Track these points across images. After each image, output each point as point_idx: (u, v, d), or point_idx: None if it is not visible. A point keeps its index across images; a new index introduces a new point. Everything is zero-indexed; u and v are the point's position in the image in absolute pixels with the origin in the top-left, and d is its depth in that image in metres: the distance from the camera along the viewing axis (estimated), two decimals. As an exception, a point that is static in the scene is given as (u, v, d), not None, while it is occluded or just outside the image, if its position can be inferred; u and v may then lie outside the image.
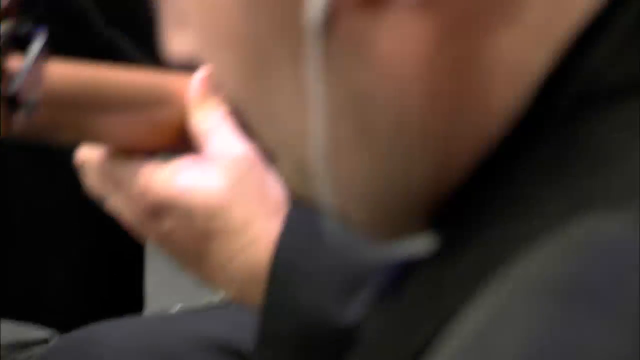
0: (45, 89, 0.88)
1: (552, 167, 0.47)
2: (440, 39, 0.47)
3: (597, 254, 0.38)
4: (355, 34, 0.47)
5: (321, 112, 0.50)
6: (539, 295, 0.38)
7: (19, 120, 0.87)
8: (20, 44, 0.88)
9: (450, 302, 0.46)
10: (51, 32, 0.95)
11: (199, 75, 0.75)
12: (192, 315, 1.45)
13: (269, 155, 0.58)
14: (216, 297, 1.13)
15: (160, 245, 0.99)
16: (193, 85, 0.93)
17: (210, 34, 0.53)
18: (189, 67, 0.66)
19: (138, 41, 0.90)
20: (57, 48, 0.95)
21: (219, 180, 0.93)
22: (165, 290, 1.80)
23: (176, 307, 1.58)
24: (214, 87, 0.65)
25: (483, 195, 0.50)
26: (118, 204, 0.96)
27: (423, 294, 0.52)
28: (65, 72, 0.92)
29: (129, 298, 1.83)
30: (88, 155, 0.95)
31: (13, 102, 0.86)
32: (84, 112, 0.92)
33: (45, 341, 1.85)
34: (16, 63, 0.86)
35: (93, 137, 0.94)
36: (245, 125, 0.60)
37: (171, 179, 0.93)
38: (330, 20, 0.46)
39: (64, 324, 1.73)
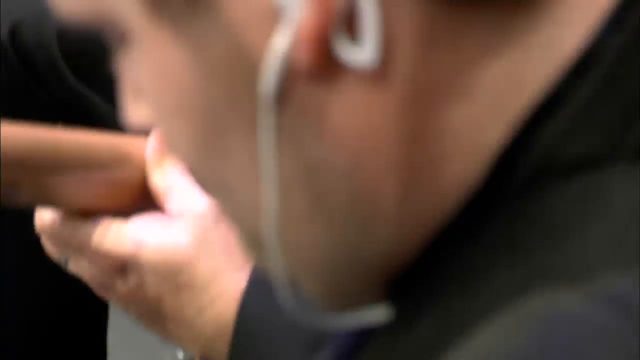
0: None
1: (507, 240, 0.47)
2: (394, 113, 0.47)
3: (554, 329, 0.38)
4: (310, 105, 0.47)
5: (274, 183, 0.50)
6: None
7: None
8: None
9: None
10: (11, 89, 0.98)
11: (156, 134, 0.75)
12: None
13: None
14: (179, 354, 1.13)
15: (124, 304, 0.98)
16: (150, 144, 0.93)
17: (164, 104, 0.52)
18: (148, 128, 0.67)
19: (108, 96, 0.89)
20: (20, 106, 1.00)
21: (183, 236, 0.92)
22: (128, 347, 1.77)
23: None
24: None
25: (439, 267, 0.50)
26: (80, 266, 0.95)
27: None
28: (20, 133, 0.92)
29: (90, 356, 1.81)
30: (46, 219, 0.94)
31: None
32: (40, 173, 0.92)
33: None
34: None
35: (51, 199, 0.94)
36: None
37: (135, 236, 0.92)
38: (284, 91, 0.46)
39: None
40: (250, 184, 0.51)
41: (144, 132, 0.71)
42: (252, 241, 0.55)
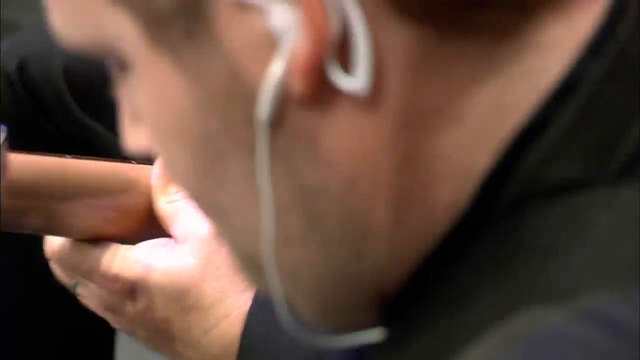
0: (7, 178, 0.88)
1: (493, 262, 0.48)
2: (387, 138, 0.48)
3: (540, 346, 0.40)
4: (304, 130, 0.48)
5: (270, 206, 0.51)
6: None
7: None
8: None
9: None
10: (21, 121, 0.98)
11: (160, 162, 0.75)
12: None
13: None
14: None
15: (132, 326, 0.98)
16: (155, 171, 0.94)
17: (162, 128, 0.53)
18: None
19: (110, 126, 0.85)
20: (29, 136, 1.00)
21: (189, 259, 0.92)
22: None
23: None
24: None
25: (429, 288, 0.51)
26: (89, 290, 0.95)
27: None
28: (27, 162, 0.92)
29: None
30: (56, 244, 0.94)
31: None
32: (46, 201, 0.93)
33: None
34: None
35: (60, 225, 0.94)
36: None
37: (144, 260, 0.92)
38: (279, 117, 0.47)
39: None
40: (247, 207, 0.52)
41: (146, 159, 0.70)
42: (248, 263, 0.56)
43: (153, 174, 0.95)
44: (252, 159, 0.49)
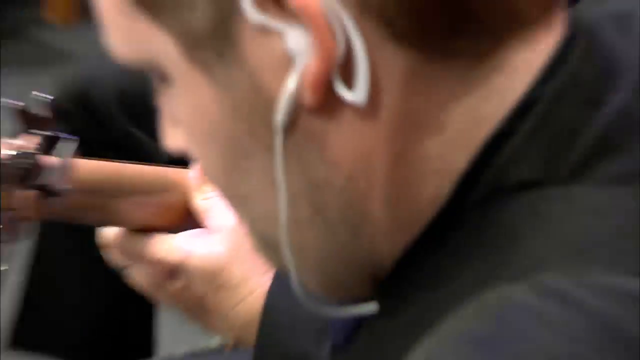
0: (73, 180, 0.94)
1: (467, 246, 0.55)
2: (381, 141, 0.55)
3: (505, 316, 0.46)
4: (313, 133, 0.55)
5: (284, 196, 0.57)
6: (463, 345, 0.45)
7: (51, 206, 0.93)
8: (53, 144, 0.95)
9: (388, 352, 0.54)
10: (82, 133, 1.04)
11: (196, 165, 0.79)
12: (197, 357, 1.50)
13: None
14: (216, 341, 1.20)
15: (172, 301, 1.07)
16: (191, 173, 1.02)
17: (196, 132, 0.61)
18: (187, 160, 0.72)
19: (152, 134, 0.96)
20: (88, 145, 1.05)
21: (220, 247, 1.01)
22: (172, 337, 1.90)
23: (181, 351, 1.60)
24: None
25: (416, 267, 0.58)
26: (137, 272, 1.04)
27: (369, 345, 0.62)
28: (90, 166, 0.99)
29: (140, 345, 1.96)
30: (111, 234, 1.03)
31: (45, 191, 0.92)
32: (105, 198, 1.00)
33: None
34: (50, 160, 0.93)
35: (113, 219, 1.02)
36: None
37: (182, 247, 1.00)
38: (293, 122, 0.54)
39: None
40: (265, 197, 0.59)
41: (183, 161, 0.75)
42: (266, 244, 0.64)
43: (190, 176, 1.02)
44: (270, 158, 0.56)
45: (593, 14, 0.63)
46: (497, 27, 0.55)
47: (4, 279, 1.02)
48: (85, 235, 1.10)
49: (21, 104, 0.92)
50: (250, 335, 1.01)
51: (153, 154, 0.94)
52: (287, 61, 0.52)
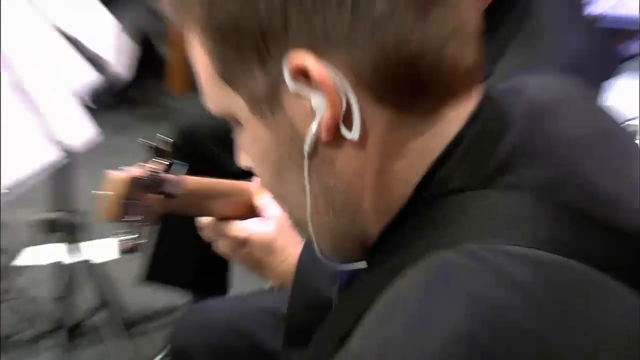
0: (183, 189, 1.15)
1: (418, 228, 0.63)
2: (368, 163, 0.63)
3: (442, 269, 0.54)
4: (326, 157, 0.63)
5: (309, 195, 0.66)
6: (416, 285, 0.53)
7: (170, 204, 1.14)
8: (171, 167, 1.15)
9: (369, 296, 0.58)
10: (189, 159, 1.23)
11: (256, 178, 0.80)
12: (256, 295, 1.65)
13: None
14: (268, 285, 1.37)
15: (241, 261, 1.22)
16: (255, 185, 1.15)
17: (257, 157, 0.69)
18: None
19: (233, 159, 0.87)
20: (192, 166, 1.20)
21: (271, 228, 1.17)
22: (243, 281, 1.98)
23: (248, 291, 1.76)
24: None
25: (389, 240, 0.66)
26: (220, 244, 1.20)
27: (360, 287, 0.67)
28: (194, 180, 1.18)
29: (220, 285, 2.24)
30: (206, 222, 1.19)
31: (166, 195, 1.14)
32: (202, 200, 1.19)
33: (177, 308, 2.20)
34: (169, 177, 1.13)
35: (207, 212, 1.20)
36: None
37: (248, 229, 1.17)
38: (314, 151, 0.62)
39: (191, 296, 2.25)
40: (298, 196, 0.66)
41: (250, 175, 0.80)
42: (299, 225, 0.72)
43: (253, 185, 1.15)
44: (300, 173, 0.64)
45: (499, 87, 0.72)
46: (440, 95, 0.62)
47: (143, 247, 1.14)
48: (190, 220, 1.27)
49: (151, 142, 1.12)
50: (289, 282, 1.15)
51: (232, 171, 1.01)
52: (311, 114, 0.60)
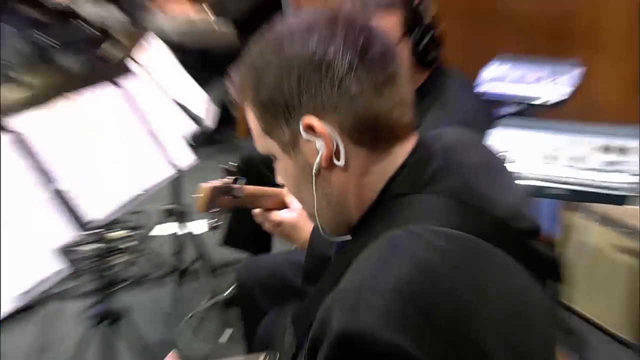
0: (244, 193, 1.12)
1: (381, 217, 0.60)
2: (351, 179, 0.61)
3: (393, 240, 0.53)
4: (325, 177, 0.61)
5: (316, 199, 0.63)
6: (377, 251, 0.52)
7: (236, 202, 1.12)
8: (236, 181, 1.11)
9: (352, 256, 0.55)
10: (247, 175, 1.19)
11: (286, 188, 0.72)
12: (287, 253, 1.52)
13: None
14: (293, 247, 1.24)
15: (278, 234, 1.16)
16: (285, 191, 1.07)
17: (285, 177, 0.67)
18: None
19: (274, 176, 0.83)
20: (249, 180, 1.16)
21: (295, 215, 1.11)
22: (279, 245, 1.94)
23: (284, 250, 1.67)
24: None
25: (364, 224, 0.63)
26: (265, 225, 1.14)
27: (344, 255, 0.62)
28: (250, 188, 1.14)
29: (265, 248, 2.01)
30: (258, 211, 1.14)
31: (234, 197, 1.11)
32: (255, 199, 1.15)
33: (240, 260, 1.98)
34: (235, 186, 1.11)
35: (257, 206, 1.15)
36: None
37: (281, 215, 1.12)
38: (318, 173, 0.61)
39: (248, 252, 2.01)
40: (310, 199, 0.64)
41: (283, 186, 0.74)
42: (310, 216, 0.67)
43: (284, 191, 1.10)
44: (311, 186, 0.62)
45: (426, 134, 0.68)
46: (391, 140, 0.61)
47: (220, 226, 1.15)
48: (249, 210, 1.18)
49: (225, 166, 1.12)
50: (305, 246, 1.09)
51: (272, 183, 0.89)
52: (316, 151, 0.59)
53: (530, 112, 1.67)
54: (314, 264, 1.00)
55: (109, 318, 1.43)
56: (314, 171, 0.60)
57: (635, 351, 1.69)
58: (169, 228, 2.19)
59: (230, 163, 1.17)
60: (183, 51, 1.91)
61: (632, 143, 1.26)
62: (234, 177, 1.12)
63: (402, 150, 0.61)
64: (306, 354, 0.54)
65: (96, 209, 1.09)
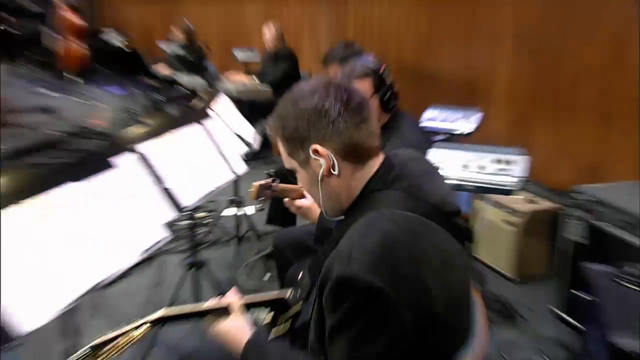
0: (278, 188, 1.11)
1: (362, 206, 0.58)
2: (342, 182, 0.60)
3: (370, 219, 0.51)
4: (327, 181, 0.60)
5: (321, 194, 0.61)
6: (359, 228, 0.50)
7: (274, 194, 1.10)
8: (275, 181, 1.08)
9: (345, 230, 0.53)
10: (281, 177, 1.15)
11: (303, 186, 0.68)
12: (305, 225, 1.34)
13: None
14: (309, 222, 1.13)
15: (299, 214, 1.11)
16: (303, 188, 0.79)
17: (302, 181, 0.64)
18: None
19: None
20: (282, 180, 1.10)
21: (309, 202, 1.08)
22: (300, 221, 1.60)
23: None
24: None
25: (351, 210, 0.61)
26: (291, 209, 1.10)
27: (339, 229, 0.59)
28: (283, 186, 1.11)
29: (292, 222, 1.80)
30: (288, 200, 1.08)
31: (273, 191, 1.04)
32: (286, 192, 1.11)
33: (276, 230, 1.84)
34: (274, 184, 1.08)
35: (287, 197, 1.11)
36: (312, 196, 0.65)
37: (302, 202, 1.08)
38: (323, 178, 0.60)
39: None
40: (317, 195, 0.62)
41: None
42: (318, 204, 0.65)
43: (303, 188, 0.77)
44: (317, 187, 0.61)
45: (389, 153, 0.65)
46: (368, 157, 0.60)
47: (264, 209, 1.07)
48: (281, 200, 1.12)
49: (267, 172, 1.19)
50: (315, 221, 1.06)
51: (295, 183, 0.71)
52: (320, 166, 0.59)
53: (452, 139, 1.71)
54: (322, 233, 0.99)
55: (196, 266, 1.42)
56: (319, 178, 0.60)
57: (515, 282, 1.71)
58: (231, 211, 2.09)
59: (270, 171, 1.25)
60: (240, 103, 1.93)
61: (514, 157, 1.28)
62: (272, 179, 1.12)
63: (374, 164, 0.61)
64: (317, 289, 0.53)
65: (188, 199, 1.08)
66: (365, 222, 0.51)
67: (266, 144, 2.54)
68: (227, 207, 2.16)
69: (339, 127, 0.57)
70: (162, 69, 3.13)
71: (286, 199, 1.09)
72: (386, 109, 1.21)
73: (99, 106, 2.91)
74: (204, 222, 2.13)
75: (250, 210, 2.10)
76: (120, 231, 0.81)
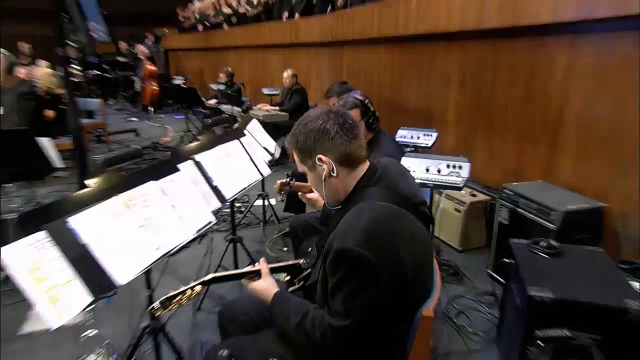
0: (295, 186, 1.06)
1: (353, 199, 0.57)
2: (340, 181, 0.57)
3: (359, 208, 0.51)
4: (329, 181, 0.58)
5: (324, 191, 0.59)
6: (353, 213, 0.50)
7: (291, 190, 1.04)
8: (297, 180, 0.99)
9: (342, 216, 0.52)
10: (296, 177, 1.04)
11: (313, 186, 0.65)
12: (313, 212, 1.23)
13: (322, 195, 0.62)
14: (316, 210, 1.03)
15: (309, 204, 1.03)
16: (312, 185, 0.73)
17: (311, 181, 0.62)
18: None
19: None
20: (297, 179, 1.04)
21: (316, 195, 1.02)
22: (309, 208, 1.40)
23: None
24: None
25: (346, 201, 0.59)
26: (303, 200, 1.03)
27: (338, 215, 0.58)
28: (298, 183, 1.06)
29: (302, 209, 1.61)
30: (300, 194, 1.03)
31: (290, 187, 0.98)
32: (299, 188, 1.06)
33: (292, 215, 1.63)
34: (292, 182, 1.03)
35: (300, 192, 1.06)
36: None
37: (311, 195, 1.02)
38: (326, 178, 0.58)
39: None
40: (321, 191, 0.60)
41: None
42: (322, 198, 0.62)
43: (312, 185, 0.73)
44: (322, 185, 0.59)
45: (373, 160, 0.63)
46: (358, 164, 0.58)
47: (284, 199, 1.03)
48: (296, 194, 1.04)
49: (287, 173, 1.08)
50: (320, 209, 1.01)
51: (306, 181, 0.67)
52: (323, 170, 0.58)
53: (418, 150, 1.68)
54: (325, 218, 0.96)
55: (234, 241, 1.37)
56: (323, 179, 0.59)
57: (461, 252, 1.66)
58: (260, 202, 1.98)
59: (289, 173, 1.13)
60: (264, 124, 1.80)
61: (461, 164, 1.26)
62: (290, 178, 1.09)
63: (363, 168, 0.60)
64: (322, 258, 0.54)
65: (229, 193, 1.04)
66: (356, 210, 0.52)
67: (284, 154, 2.51)
68: (257, 199, 2.05)
69: (337, 142, 0.57)
70: (211, 102, 3.26)
71: (300, 193, 1.06)
72: (370, 129, 1.20)
73: (166, 128, 3.23)
74: (241, 209, 2.09)
75: (273, 201, 2.01)
76: (182, 216, 0.80)
